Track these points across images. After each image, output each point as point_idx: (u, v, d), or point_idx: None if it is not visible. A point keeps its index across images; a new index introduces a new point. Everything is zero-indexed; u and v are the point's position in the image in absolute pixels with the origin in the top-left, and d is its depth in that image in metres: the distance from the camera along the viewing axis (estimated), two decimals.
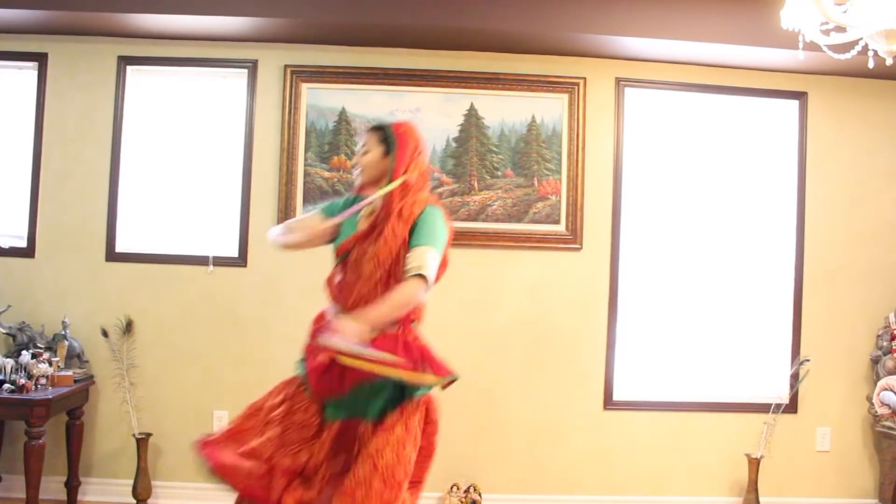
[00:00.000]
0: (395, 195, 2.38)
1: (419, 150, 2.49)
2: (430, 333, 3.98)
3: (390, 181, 2.40)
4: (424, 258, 2.30)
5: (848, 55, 2.50)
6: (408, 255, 2.32)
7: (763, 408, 4.04)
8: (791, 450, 4.11)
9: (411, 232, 2.36)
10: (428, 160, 2.58)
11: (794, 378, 4.08)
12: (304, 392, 2.40)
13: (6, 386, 3.40)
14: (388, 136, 2.48)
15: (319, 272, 3.99)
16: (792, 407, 4.08)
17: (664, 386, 4.12)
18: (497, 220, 4.02)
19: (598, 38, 3.79)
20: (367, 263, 2.35)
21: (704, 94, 4.15)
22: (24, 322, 3.77)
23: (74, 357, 3.81)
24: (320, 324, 2.45)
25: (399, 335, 2.32)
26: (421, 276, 2.28)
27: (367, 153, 2.50)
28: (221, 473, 2.26)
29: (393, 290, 2.29)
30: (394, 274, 2.34)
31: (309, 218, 2.62)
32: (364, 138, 2.54)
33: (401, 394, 2.30)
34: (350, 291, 2.39)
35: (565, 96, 4.05)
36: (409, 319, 2.38)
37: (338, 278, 2.46)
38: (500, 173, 4.05)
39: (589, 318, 4.06)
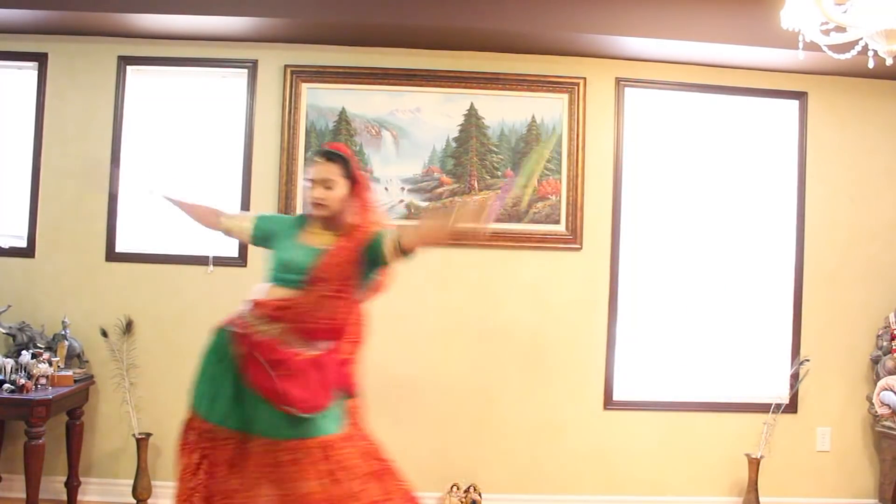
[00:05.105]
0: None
1: (366, 181, 2.53)
2: (431, 333, 4.01)
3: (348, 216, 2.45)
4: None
5: (848, 55, 2.50)
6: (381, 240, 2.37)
7: (763, 408, 4.04)
8: (791, 450, 4.11)
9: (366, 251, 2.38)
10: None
11: (794, 378, 4.08)
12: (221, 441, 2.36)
13: (6, 386, 3.40)
14: (349, 170, 2.44)
15: None
16: (792, 407, 4.08)
17: (664, 386, 4.12)
18: (497, 220, 4.02)
19: (598, 38, 3.79)
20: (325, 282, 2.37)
21: (704, 94, 4.14)
22: (24, 322, 3.77)
23: (74, 357, 3.81)
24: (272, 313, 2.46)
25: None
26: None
27: (331, 189, 2.41)
28: None
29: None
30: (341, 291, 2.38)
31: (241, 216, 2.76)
32: (319, 168, 2.42)
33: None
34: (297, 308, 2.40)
35: (565, 96, 4.05)
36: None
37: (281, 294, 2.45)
38: (500, 173, 4.04)
39: (589, 318, 4.06)
